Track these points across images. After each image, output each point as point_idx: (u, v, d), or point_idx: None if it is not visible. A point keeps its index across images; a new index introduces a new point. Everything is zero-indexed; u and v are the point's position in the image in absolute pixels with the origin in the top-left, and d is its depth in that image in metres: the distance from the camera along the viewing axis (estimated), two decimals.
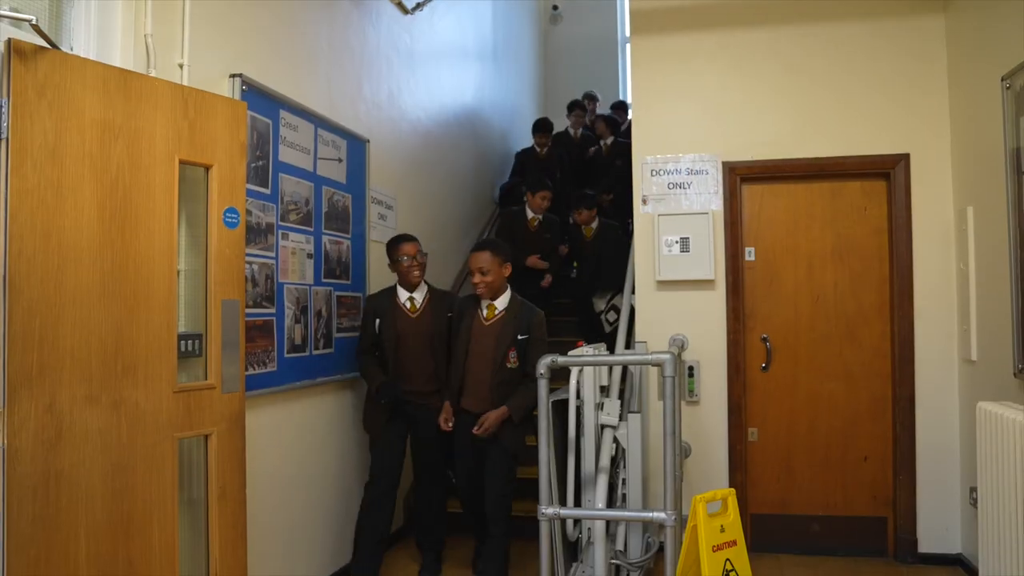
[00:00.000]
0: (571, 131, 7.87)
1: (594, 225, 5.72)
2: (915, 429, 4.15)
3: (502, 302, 3.76)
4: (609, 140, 7.37)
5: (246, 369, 2.97)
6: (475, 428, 3.62)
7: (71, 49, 2.46)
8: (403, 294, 3.98)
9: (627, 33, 7.67)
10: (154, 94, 2.50)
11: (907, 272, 4.17)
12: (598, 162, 7.38)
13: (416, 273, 3.96)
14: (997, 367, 3.55)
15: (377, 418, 3.94)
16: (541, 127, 7.23)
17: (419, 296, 4.00)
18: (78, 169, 2.25)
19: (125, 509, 2.37)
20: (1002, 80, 3.37)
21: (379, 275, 4.43)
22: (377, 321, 3.92)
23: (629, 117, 7.61)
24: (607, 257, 5.57)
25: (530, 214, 5.80)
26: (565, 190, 6.72)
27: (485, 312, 3.76)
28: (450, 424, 3.81)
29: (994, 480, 2.96)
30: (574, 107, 7.91)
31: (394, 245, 4.00)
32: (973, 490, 3.59)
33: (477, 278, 3.67)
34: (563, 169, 7.24)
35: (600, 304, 5.62)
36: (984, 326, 3.76)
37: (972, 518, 3.63)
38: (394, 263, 3.98)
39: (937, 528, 4.12)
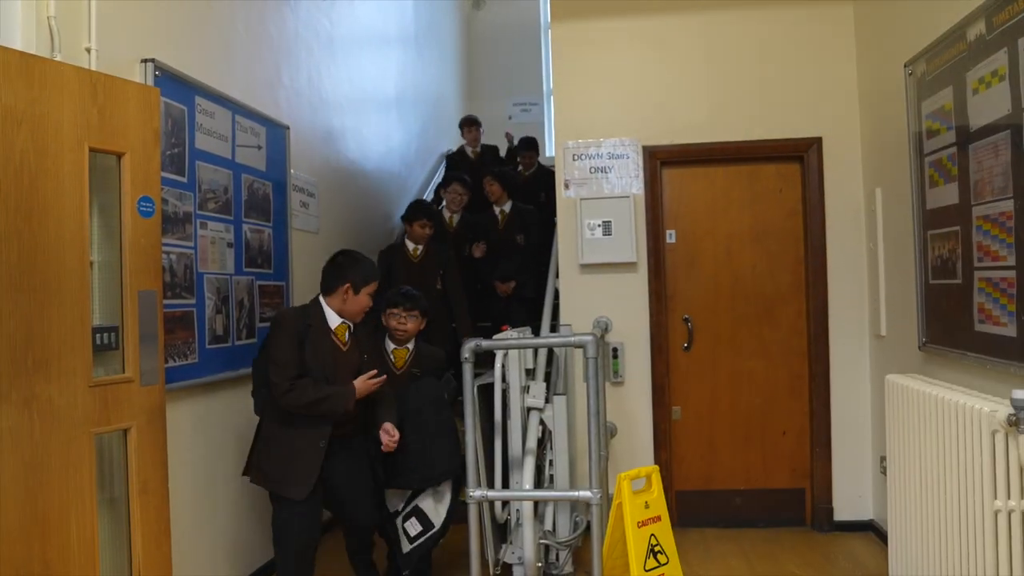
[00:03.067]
0: (445, 213, 5.78)
1: None
2: (830, 403, 4.32)
3: None
4: (507, 207, 5.59)
5: (166, 361, 2.91)
6: None
7: None
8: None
9: (549, 19, 7.63)
10: (60, 79, 2.41)
11: (821, 252, 4.32)
12: (492, 236, 5.58)
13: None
14: (904, 341, 3.72)
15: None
16: (468, 120, 6.77)
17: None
18: None
19: (40, 508, 2.30)
20: (905, 66, 3.51)
21: (302, 264, 4.37)
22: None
23: (539, 160, 6.60)
24: None
25: (410, 245, 4.95)
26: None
27: None
28: None
29: (901, 448, 3.12)
30: (452, 181, 5.78)
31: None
32: (883, 459, 3.75)
33: None
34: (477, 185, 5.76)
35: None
36: (892, 303, 3.93)
37: (882, 485, 3.81)
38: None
39: (851, 496, 4.30)
